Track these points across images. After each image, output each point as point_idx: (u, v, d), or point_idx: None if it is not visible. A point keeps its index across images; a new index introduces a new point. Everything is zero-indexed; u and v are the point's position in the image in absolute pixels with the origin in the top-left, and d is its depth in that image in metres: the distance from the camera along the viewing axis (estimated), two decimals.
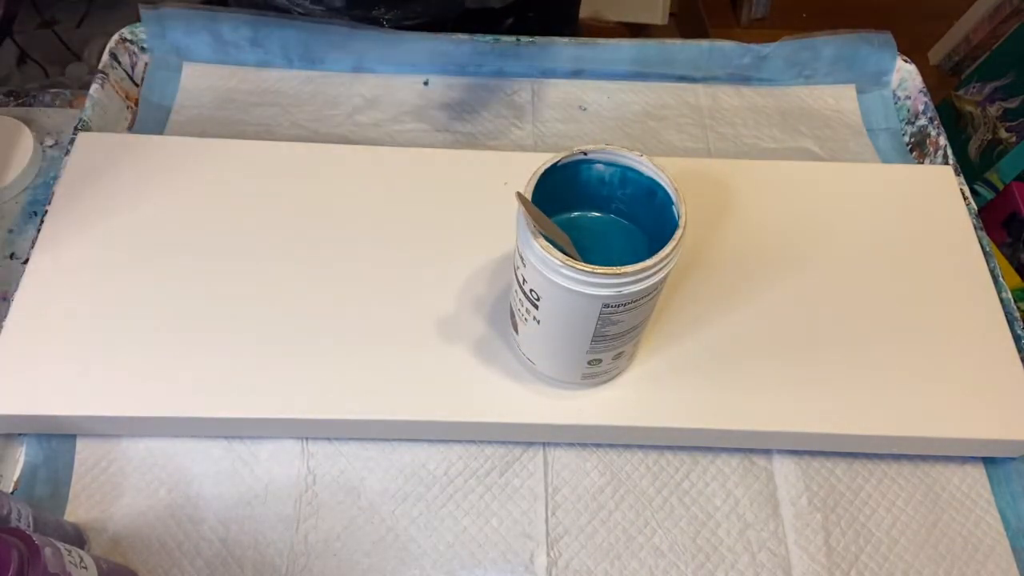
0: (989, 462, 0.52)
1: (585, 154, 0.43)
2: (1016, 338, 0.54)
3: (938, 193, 0.60)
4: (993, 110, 1.17)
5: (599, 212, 0.46)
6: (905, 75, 0.69)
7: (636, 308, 0.41)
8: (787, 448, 0.52)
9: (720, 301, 0.53)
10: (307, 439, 0.51)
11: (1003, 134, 1.14)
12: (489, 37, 0.67)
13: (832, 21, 0.77)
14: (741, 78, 0.70)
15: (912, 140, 0.67)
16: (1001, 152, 1.13)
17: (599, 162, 0.43)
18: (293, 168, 0.58)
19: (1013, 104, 1.13)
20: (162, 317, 0.51)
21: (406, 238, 0.55)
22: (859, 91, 0.70)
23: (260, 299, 0.52)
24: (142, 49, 0.67)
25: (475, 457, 0.51)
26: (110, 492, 0.48)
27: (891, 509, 0.50)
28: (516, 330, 0.47)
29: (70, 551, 0.37)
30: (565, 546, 0.48)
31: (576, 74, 0.69)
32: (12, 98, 0.67)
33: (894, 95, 0.69)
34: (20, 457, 0.49)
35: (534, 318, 0.44)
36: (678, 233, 0.39)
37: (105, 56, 0.64)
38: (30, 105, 0.66)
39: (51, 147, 0.64)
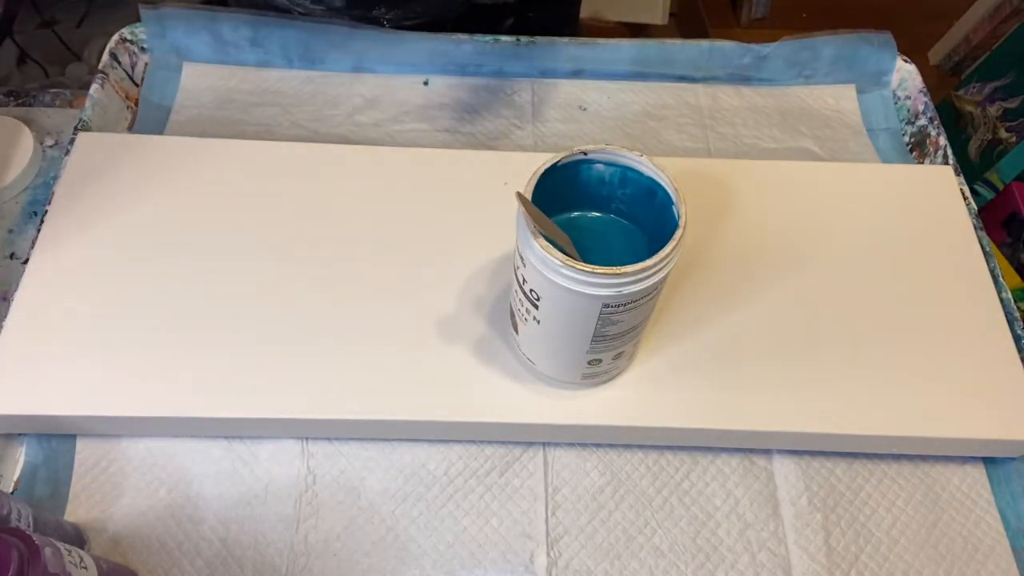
0: (989, 462, 0.52)
1: (585, 154, 0.43)
2: (1016, 338, 0.54)
3: (938, 193, 0.60)
4: (993, 110, 1.17)
5: (599, 212, 0.46)
6: (905, 75, 0.69)
7: (636, 308, 0.41)
8: (787, 448, 0.52)
9: (720, 301, 0.53)
10: (307, 439, 0.51)
11: (1003, 134, 1.14)
12: (489, 37, 0.67)
13: (832, 21, 0.77)
14: (741, 78, 0.70)
15: (912, 140, 0.67)
16: (1001, 152, 1.13)
17: (599, 162, 0.43)
18: (293, 168, 0.58)
19: (1013, 104, 1.13)
20: (162, 317, 0.51)
21: (406, 238, 0.55)
22: (859, 91, 0.70)
23: (260, 299, 0.52)
24: (142, 49, 0.67)
25: (475, 457, 0.51)
26: (110, 492, 0.48)
27: (891, 509, 0.50)
28: (516, 330, 0.47)
29: (70, 551, 0.37)
30: (565, 546, 0.48)
31: (576, 74, 0.69)
32: (12, 98, 0.67)
33: (894, 95, 0.69)
34: (20, 457, 0.49)
35: (534, 318, 0.44)
36: (678, 233, 0.39)
37: (105, 56, 0.64)
38: (30, 105, 0.66)
39: (51, 147, 0.64)
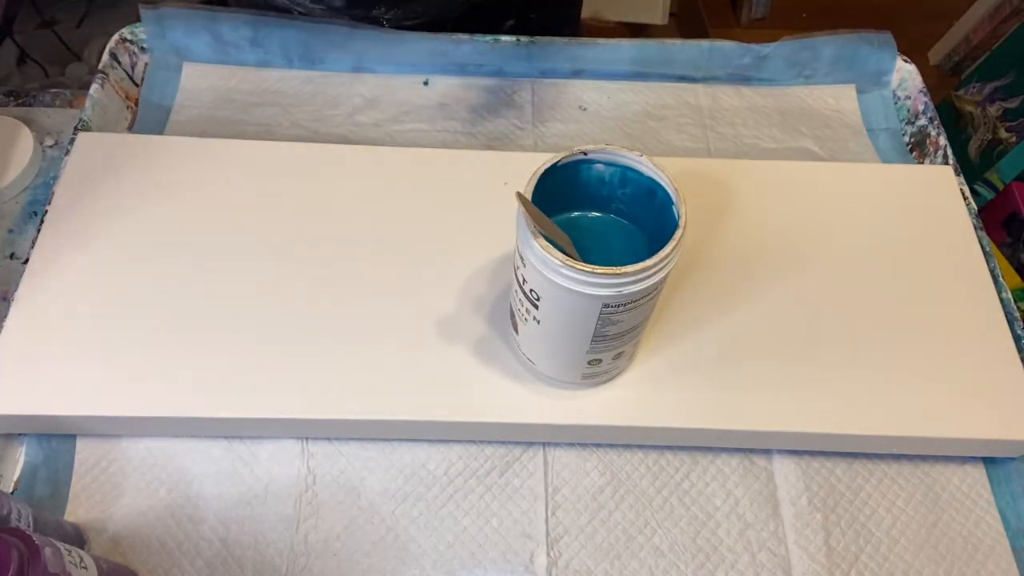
0: (989, 462, 0.52)
1: (585, 154, 0.43)
2: (1016, 338, 0.54)
3: (938, 193, 0.60)
4: (993, 110, 1.17)
5: (599, 212, 0.46)
6: (905, 75, 0.69)
7: (636, 308, 0.41)
8: (787, 448, 0.52)
9: (720, 301, 0.53)
10: (307, 439, 0.51)
11: (1003, 134, 1.14)
12: (489, 37, 0.67)
13: (832, 21, 0.77)
14: (741, 78, 0.70)
15: (912, 140, 0.67)
16: (1001, 152, 1.13)
17: (599, 162, 0.43)
18: (293, 168, 0.58)
19: (1013, 104, 1.13)
20: (162, 317, 0.51)
21: (406, 238, 0.55)
22: (859, 91, 0.70)
23: (260, 299, 0.52)
24: (142, 49, 0.67)
25: (475, 457, 0.51)
26: (110, 492, 0.48)
27: (891, 509, 0.50)
28: (516, 330, 0.47)
29: (70, 551, 0.37)
30: (565, 546, 0.48)
31: (576, 74, 0.69)
32: (12, 98, 0.67)
33: (894, 95, 0.69)
34: (20, 457, 0.49)
35: (534, 318, 0.44)
36: (678, 233, 0.39)
37: (105, 56, 0.64)
38: (30, 105, 0.66)
39: (51, 147, 0.64)
